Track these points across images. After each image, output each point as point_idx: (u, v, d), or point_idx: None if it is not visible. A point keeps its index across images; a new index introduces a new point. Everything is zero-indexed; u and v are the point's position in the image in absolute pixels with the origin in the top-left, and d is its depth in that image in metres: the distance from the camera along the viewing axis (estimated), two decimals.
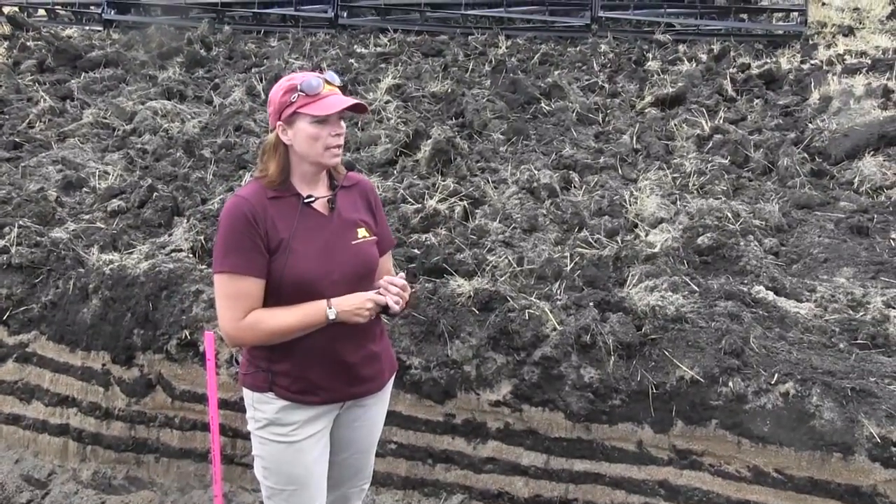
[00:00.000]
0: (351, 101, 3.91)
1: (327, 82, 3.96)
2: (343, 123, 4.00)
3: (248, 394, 4.18)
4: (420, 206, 7.97)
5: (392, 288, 3.94)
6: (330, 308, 3.85)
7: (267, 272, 3.91)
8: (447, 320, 5.79)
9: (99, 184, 8.78)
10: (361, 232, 4.11)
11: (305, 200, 4.00)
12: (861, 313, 6.05)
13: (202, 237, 7.06)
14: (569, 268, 6.69)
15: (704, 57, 14.46)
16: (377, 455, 4.66)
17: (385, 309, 4.00)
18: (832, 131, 10.12)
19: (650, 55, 14.76)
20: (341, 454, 4.38)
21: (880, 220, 7.83)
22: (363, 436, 4.38)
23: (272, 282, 3.92)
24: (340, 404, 4.19)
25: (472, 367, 5.65)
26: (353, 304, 3.87)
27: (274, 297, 3.92)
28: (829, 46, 14.60)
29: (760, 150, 9.72)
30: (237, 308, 3.86)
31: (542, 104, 11.78)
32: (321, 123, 3.88)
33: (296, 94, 3.90)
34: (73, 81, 13.38)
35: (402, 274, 4.11)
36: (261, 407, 4.12)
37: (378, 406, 4.37)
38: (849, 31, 15.58)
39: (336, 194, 4.11)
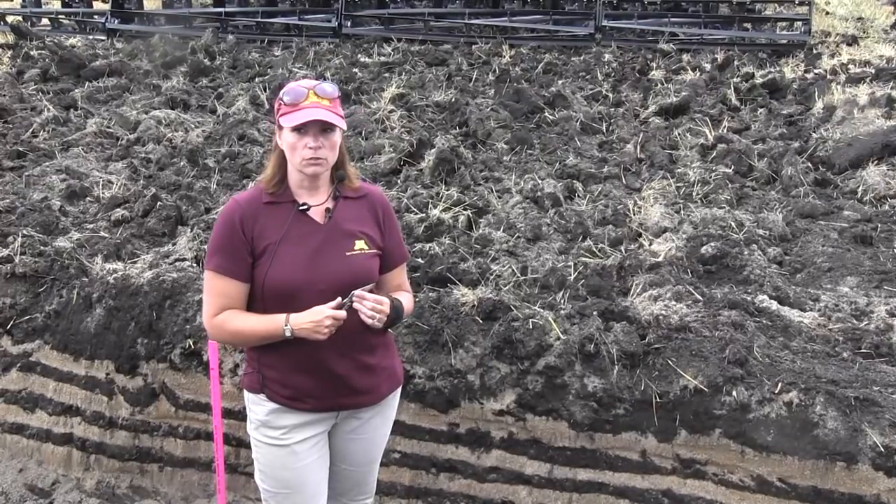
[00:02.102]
0: (320, 116, 3.86)
1: (315, 93, 3.92)
2: (334, 137, 3.96)
3: (245, 394, 4.25)
4: (424, 215, 7.98)
5: (366, 304, 3.89)
6: (286, 325, 3.84)
7: (251, 277, 3.97)
8: (451, 330, 5.79)
9: (102, 193, 8.79)
10: (359, 244, 4.08)
11: (300, 207, 4.02)
12: (865, 322, 6.05)
13: (206, 246, 7.06)
14: (572, 277, 6.69)
15: (708, 66, 14.48)
16: (381, 464, 4.65)
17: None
18: (836, 140, 10.12)
19: (654, 64, 14.78)
20: (340, 464, 4.39)
21: (884, 229, 7.82)
22: (361, 449, 4.37)
23: (256, 287, 3.98)
24: (335, 413, 4.19)
25: (475, 377, 5.65)
26: (310, 321, 3.81)
27: (259, 302, 3.98)
28: (832, 56, 14.62)
29: (764, 160, 9.72)
30: (213, 305, 4.00)
31: (546, 113, 11.79)
32: (299, 133, 3.89)
33: (280, 102, 3.95)
34: (76, 91, 13.40)
35: (371, 286, 4.06)
36: (254, 408, 4.19)
37: (377, 420, 4.33)
38: (852, 41, 15.61)
39: (336, 204, 4.11)
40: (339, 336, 3.92)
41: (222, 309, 3.97)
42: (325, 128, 3.91)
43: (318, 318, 3.81)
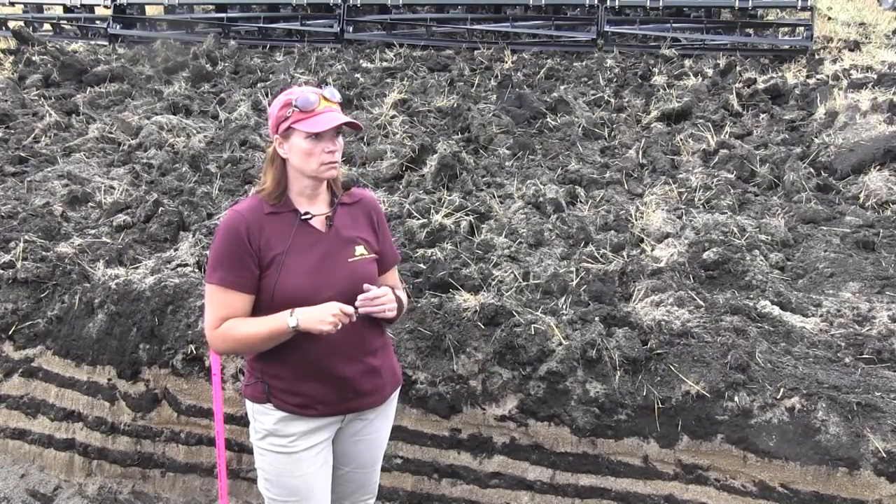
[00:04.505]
0: (343, 119, 3.93)
1: (325, 98, 3.96)
2: (340, 139, 4.02)
3: (248, 405, 4.24)
4: (426, 220, 7.98)
5: (373, 304, 3.94)
6: (291, 316, 3.84)
7: (258, 287, 3.98)
8: (453, 335, 5.78)
9: (104, 198, 8.79)
10: (359, 250, 4.12)
11: (302, 217, 4.04)
12: (867, 328, 6.05)
13: (208, 252, 7.06)
14: (574, 282, 6.69)
15: (710, 72, 14.48)
16: (383, 469, 4.65)
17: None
18: (838, 146, 10.13)
19: (656, 70, 14.78)
20: (343, 468, 4.39)
21: (886, 234, 7.82)
22: (365, 450, 4.38)
23: (264, 297, 3.98)
24: (341, 417, 4.20)
25: (477, 382, 5.65)
26: (317, 312, 3.82)
27: (266, 312, 3.96)
28: (834, 61, 14.60)
29: (766, 165, 9.72)
30: (217, 318, 3.97)
31: (548, 119, 11.80)
32: (315, 139, 3.91)
33: (291, 109, 3.93)
34: (78, 96, 13.42)
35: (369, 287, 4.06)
36: (260, 418, 4.17)
37: (380, 420, 4.36)
38: (855, 46, 15.59)
39: (335, 211, 4.13)
40: (344, 340, 3.96)
41: (225, 321, 3.98)
42: (337, 131, 3.98)
43: (324, 309, 3.81)
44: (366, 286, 3.95)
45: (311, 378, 4.02)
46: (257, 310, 4.00)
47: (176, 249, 7.46)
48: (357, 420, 4.26)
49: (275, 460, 4.16)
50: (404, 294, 4.44)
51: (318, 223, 4.08)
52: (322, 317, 3.79)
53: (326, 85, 4.39)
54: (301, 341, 3.90)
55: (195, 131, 11.41)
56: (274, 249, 3.95)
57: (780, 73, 14.20)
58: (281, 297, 3.92)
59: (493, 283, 6.67)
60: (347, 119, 3.94)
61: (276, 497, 4.22)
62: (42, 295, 6.81)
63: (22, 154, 10.32)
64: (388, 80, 14.21)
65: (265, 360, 4.07)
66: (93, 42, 18.68)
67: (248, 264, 3.93)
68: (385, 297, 3.97)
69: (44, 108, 12.37)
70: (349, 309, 3.85)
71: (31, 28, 19.61)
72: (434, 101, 12.53)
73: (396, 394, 4.44)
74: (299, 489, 4.16)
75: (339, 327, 3.83)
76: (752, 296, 6.56)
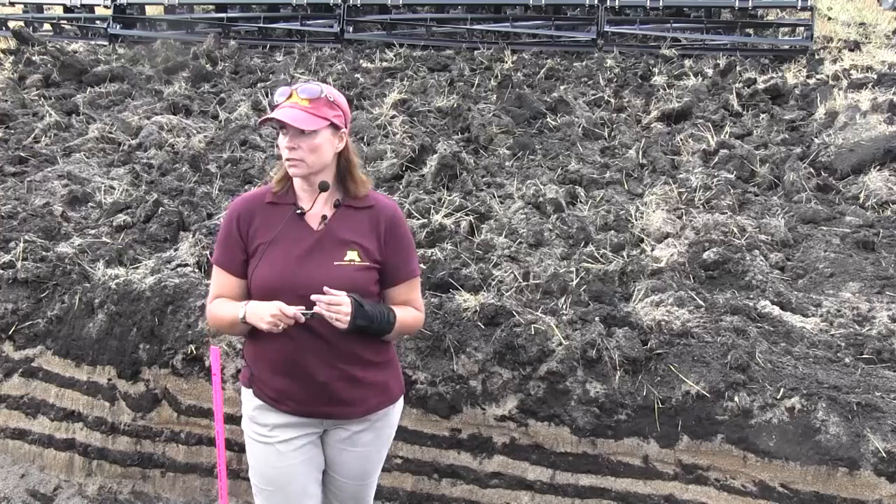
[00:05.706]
0: (279, 116, 3.87)
1: (297, 94, 3.96)
2: (316, 140, 3.93)
3: (241, 387, 4.33)
4: (426, 221, 7.97)
5: (322, 304, 3.82)
6: (243, 307, 3.93)
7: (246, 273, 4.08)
8: (453, 335, 5.78)
9: (104, 198, 8.78)
10: (350, 254, 4.02)
11: (297, 211, 4.05)
12: (867, 328, 6.05)
13: (208, 252, 7.06)
14: (575, 282, 6.69)
15: (710, 72, 14.48)
16: (383, 469, 4.63)
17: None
18: (838, 146, 10.13)
19: (656, 70, 14.78)
20: (332, 474, 4.39)
21: (886, 234, 7.82)
22: (352, 461, 4.32)
23: (248, 284, 4.07)
24: (320, 421, 4.19)
25: (477, 382, 5.65)
26: (260, 308, 3.85)
27: (249, 299, 4.04)
28: (835, 61, 14.61)
29: (766, 165, 9.73)
30: (211, 294, 4.15)
31: (548, 119, 11.79)
32: (282, 133, 3.95)
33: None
34: (78, 96, 13.39)
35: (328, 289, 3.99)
36: (245, 402, 4.28)
37: (368, 434, 4.26)
38: (855, 46, 15.59)
39: (336, 212, 4.10)
40: (322, 344, 3.96)
41: (217, 299, 4.11)
42: (303, 130, 3.89)
43: (267, 307, 3.82)
44: (325, 288, 3.83)
45: (283, 373, 4.04)
46: (249, 296, 4.09)
47: (176, 249, 7.45)
48: (340, 428, 4.22)
49: (255, 447, 4.24)
50: (414, 313, 4.28)
51: (313, 220, 4.07)
52: (262, 314, 3.82)
53: (323, 82, 4.37)
54: (277, 335, 3.89)
55: (195, 131, 11.41)
56: (260, 238, 4.02)
57: (780, 73, 14.20)
58: (255, 286, 4.01)
59: (493, 283, 6.67)
60: (282, 117, 3.86)
61: (258, 483, 4.29)
62: (42, 295, 6.80)
63: (22, 154, 10.30)
64: (388, 80, 14.21)
65: (252, 346, 4.16)
66: (93, 42, 18.64)
67: (235, 249, 4.05)
68: (341, 305, 3.83)
69: (44, 108, 12.35)
70: (290, 311, 3.79)
71: (31, 28, 19.57)
72: (434, 101, 12.52)
73: (392, 412, 4.35)
74: (278, 480, 4.19)
75: (279, 328, 3.81)
76: (752, 296, 6.56)
